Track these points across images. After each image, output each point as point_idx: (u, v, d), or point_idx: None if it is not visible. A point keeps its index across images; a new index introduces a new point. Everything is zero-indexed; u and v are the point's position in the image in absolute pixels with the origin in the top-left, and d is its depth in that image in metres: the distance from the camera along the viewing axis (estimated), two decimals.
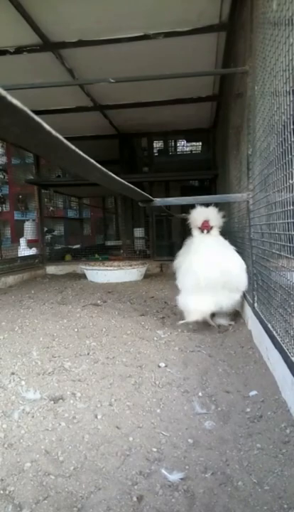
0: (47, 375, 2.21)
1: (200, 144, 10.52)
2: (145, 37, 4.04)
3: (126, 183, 1.78)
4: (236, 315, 3.35)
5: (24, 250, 8.12)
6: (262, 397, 1.85)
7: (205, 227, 3.07)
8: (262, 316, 2.48)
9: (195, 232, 3.15)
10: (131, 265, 6.29)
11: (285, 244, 1.82)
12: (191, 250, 3.11)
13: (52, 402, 1.87)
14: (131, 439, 1.55)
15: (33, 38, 4.03)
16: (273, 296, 2.19)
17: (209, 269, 2.86)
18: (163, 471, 1.33)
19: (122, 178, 1.66)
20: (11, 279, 6.07)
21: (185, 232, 3.95)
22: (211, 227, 3.08)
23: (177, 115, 6.61)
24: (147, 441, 1.52)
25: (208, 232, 3.08)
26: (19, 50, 4.26)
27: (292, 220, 1.68)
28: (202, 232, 3.09)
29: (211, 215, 3.09)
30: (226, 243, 3.14)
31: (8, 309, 4.02)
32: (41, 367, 2.34)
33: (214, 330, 3.03)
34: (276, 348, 1.98)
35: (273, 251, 2.12)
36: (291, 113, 1.65)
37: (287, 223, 1.75)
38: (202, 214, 3.09)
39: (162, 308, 3.89)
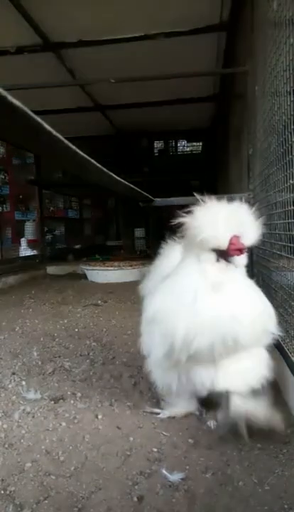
0: (47, 375, 2.21)
1: (200, 143, 10.53)
2: (145, 37, 4.05)
3: (127, 183, 1.78)
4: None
5: (25, 250, 8.12)
6: None
7: (236, 250, 1.33)
8: None
9: (198, 256, 1.40)
10: (131, 265, 6.29)
11: (286, 244, 1.82)
12: (180, 293, 1.42)
13: (52, 402, 1.87)
14: (131, 439, 1.54)
15: (33, 38, 4.03)
16: (273, 296, 2.19)
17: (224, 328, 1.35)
18: (164, 471, 1.33)
19: (122, 179, 1.66)
20: (11, 279, 6.07)
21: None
22: (244, 250, 1.37)
23: (178, 115, 6.61)
24: (147, 442, 1.52)
25: (235, 262, 1.36)
26: (20, 50, 4.27)
27: (292, 220, 1.68)
28: (223, 259, 1.37)
29: (248, 222, 1.36)
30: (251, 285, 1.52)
31: (9, 309, 4.02)
32: (41, 367, 2.34)
33: None
34: (276, 347, 1.97)
35: (274, 251, 2.12)
36: (292, 113, 1.65)
37: (288, 223, 1.75)
38: (229, 221, 1.34)
39: None
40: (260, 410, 1.46)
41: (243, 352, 1.42)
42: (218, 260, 1.37)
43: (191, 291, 1.36)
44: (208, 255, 1.37)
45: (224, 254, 1.34)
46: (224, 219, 1.32)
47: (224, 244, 1.32)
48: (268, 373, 1.49)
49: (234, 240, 1.31)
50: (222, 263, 1.36)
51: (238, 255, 1.32)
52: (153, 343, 1.50)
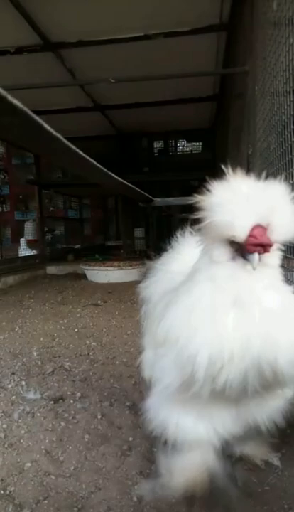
0: (47, 375, 2.21)
1: (200, 143, 10.52)
2: (145, 37, 4.05)
3: (127, 183, 1.78)
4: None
5: (24, 250, 8.12)
6: None
7: (257, 245, 0.94)
8: None
9: (210, 253, 1.04)
10: (131, 265, 6.29)
11: (285, 244, 1.82)
12: (195, 300, 1.06)
13: (52, 402, 1.87)
14: (131, 439, 1.54)
15: (33, 38, 4.03)
16: None
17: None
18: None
19: (122, 179, 1.66)
20: (11, 279, 6.06)
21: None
22: (270, 248, 0.96)
23: (177, 115, 6.62)
24: (147, 442, 1.52)
25: (260, 259, 0.95)
26: (19, 50, 4.27)
27: None
28: (241, 257, 0.99)
29: (281, 213, 0.94)
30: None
31: (9, 309, 4.02)
32: (41, 367, 2.34)
33: None
34: None
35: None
36: (291, 113, 1.65)
37: None
38: (253, 203, 0.93)
39: None
40: (258, 449, 1.31)
41: (280, 388, 1.06)
42: (234, 258, 0.99)
43: (206, 306, 1.00)
44: (221, 251, 1.00)
45: (241, 250, 0.96)
46: (244, 198, 0.93)
47: (240, 235, 0.93)
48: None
49: (257, 230, 0.92)
50: (239, 262, 0.98)
51: (259, 252, 0.93)
52: (163, 369, 1.10)
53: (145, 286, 1.49)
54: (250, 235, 0.92)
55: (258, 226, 0.92)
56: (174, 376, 1.05)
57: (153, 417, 1.20)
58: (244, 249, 0.95)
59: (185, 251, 1.41)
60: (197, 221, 1.00)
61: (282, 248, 1.03)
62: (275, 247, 0.97)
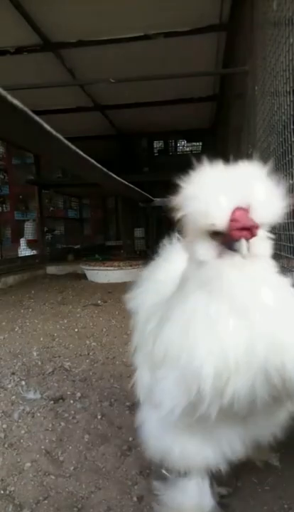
0: (47, 375, 2.21)
1: (200, 143, 10.53)
2: (145, 37, 4.05)
3: (126, 183, 1.78)
4: None
5: (24, 250, 8.12)
6: None
7: (242, 229, 0.84)
8: None
9: (198, 252, 0.92)
10: (131, 265, 6.28)
11: (285, 244, 1.82)
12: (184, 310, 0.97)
13: (52, 402, 1.87)
14: (131, 439, 1.54)
15: (33, 38, 4.03)
16: None
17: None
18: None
19: (122, 179, 1.66)
20: (11, 279, 6.06)
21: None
22: (256, 230, 0.86)
23: (177, 115, 6.61)
24: None
25: (248, 247, 0.84)
26: (19, 50, 4.27)
27: (292, 220, 1.68)
28: (229, 247, 0.87)
29: (261, 191, 0.85)
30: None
31: (9, 309, 4.02)
32: (41, 367, 2.34)
33: None
34: None
35: (273, 251, 2.11)
36: (291, 113, 1.65)
37: (287, 223, 1.75)
38: (230, 186, 0.86)
39: None
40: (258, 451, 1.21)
41: (289, 398, 0.95)
42: (220, 254, 0.88)
43: (203, 318, 0.91)
44: (204, 247, 0.90)
45: (227, 241, 0.86)
46: (218, 182, 0.86)
47: (220, 222, 0.83)
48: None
49: (238, 213, 0.82)
50: (226, 257, 0.87)
51: (245, 238, 0.83)
52: (164, 393, 0.98)
53: (132, 297, 1.37)
54: (231, 220, 0.83)
55: (238, 209, 0.83)
56: (177, 399, 0.95)
57: (154, 444, 1.11)
58: (229, 238, 0.85)
59: (173, 258, 1.33)
60: (178, 222, 0.92)
61: (271, 236, 0.93)
62: (261, 231, 0.87)
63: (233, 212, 0.83)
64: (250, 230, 0.83)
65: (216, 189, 0.84)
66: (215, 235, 0.87)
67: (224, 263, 0.88)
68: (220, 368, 0.87)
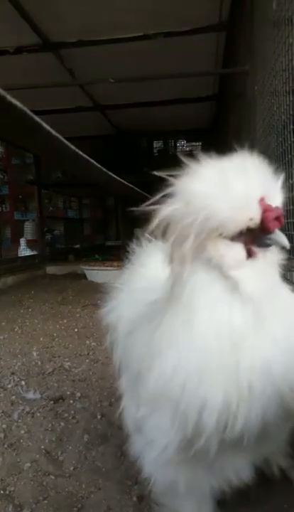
0: (47, 375, 2.21)
1: (200, 143, 10.53)
2: (145, 37, 4.05)
3: (126, 183, 1.78)
4: None
5: (24, 250, 8.12)
6: None
7: (276, 219, 0.75)
8: None
9: (226, 259, 0.77)
10: None
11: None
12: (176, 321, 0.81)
13: (52, 402, 1.87)
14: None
15: (32, 38, 4.03)
16: None
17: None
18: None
19: (122, 178, 1.66)
20: (11, 279, 6.06)
21: None
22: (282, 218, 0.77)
23: (177, 115, 6.62)
24: None
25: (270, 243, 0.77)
26: (19, 50, 4.27)
27: (292, 220, 1.68)
28: (260, 243, 0.77)
29: (269, 177, 0.78)
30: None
31: (9, 309, 4.02)
32: (41, 367, 2.34)
33: None
34: None
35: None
36: (291, 113, 1.65)
37: (287, 223, 1.75)
38: (250, 177, 0.75)
39: None
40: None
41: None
42: (250, 254, 0.77)
43: (226, 335, 0.75)
44: (234, 251, 0.76)
45: (258, 237, 0.76)
46: (244, 174, 0.75)
47: (256, 216, 0.73)
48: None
49: (265, 204, 0.74)
50: (259, 255, 0.77)
51: (278, 227, 0.75)
52: (157, 429, 0.86)
53: (108, 311, 1.21)
54: (264, 210, 0.73)
55: (263, 200, 0.74)
56: (173, 435, 0.82)
57: (157, 479, 1.01)
58: (261, 233, 0.75)
59: (149, 263, 1.17)
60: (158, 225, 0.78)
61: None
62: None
63: (261, 202, 0.74)
64: (280, 220, 0.75)
65: (238, 181, 0.74)
66: (243, 232, 0.75)
67: (258, 265, 0.77)
68: (229, 395, 0.74)
